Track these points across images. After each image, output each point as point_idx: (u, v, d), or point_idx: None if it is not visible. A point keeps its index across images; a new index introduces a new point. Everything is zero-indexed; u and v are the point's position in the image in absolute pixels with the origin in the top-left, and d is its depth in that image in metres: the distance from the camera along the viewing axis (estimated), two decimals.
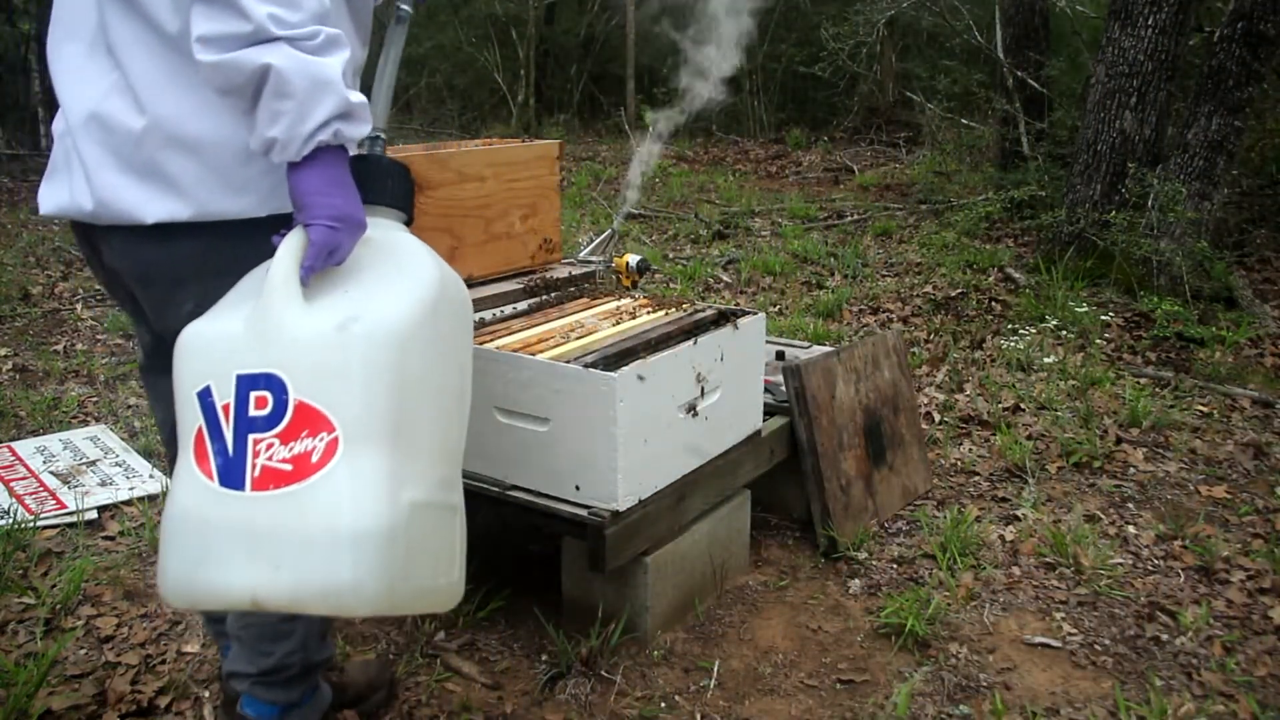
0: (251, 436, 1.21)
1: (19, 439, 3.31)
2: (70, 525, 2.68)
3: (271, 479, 1.19)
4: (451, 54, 13.96)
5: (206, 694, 1.99)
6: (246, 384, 1.22)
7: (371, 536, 1.17)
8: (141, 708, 1.95)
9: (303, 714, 1.71)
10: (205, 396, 1.25)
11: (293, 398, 1.20)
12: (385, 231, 1.40)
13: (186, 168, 1.35)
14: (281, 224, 1.37)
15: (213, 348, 1.27)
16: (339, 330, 1.22)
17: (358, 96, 1.27)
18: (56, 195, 1.42)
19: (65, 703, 1.93)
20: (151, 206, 1.35)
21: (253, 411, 1.21)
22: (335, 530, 1.16)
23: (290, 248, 1.27)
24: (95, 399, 3.73)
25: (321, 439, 1.19)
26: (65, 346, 4.39)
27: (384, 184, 1.43)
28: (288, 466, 1.19)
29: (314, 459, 1.18)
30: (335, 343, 1.22)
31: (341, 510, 1.17)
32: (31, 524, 2.63)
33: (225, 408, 1.23)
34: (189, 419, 1.27)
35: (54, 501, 2.81)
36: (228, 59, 1.21)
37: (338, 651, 2.11)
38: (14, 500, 2.79)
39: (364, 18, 1.52)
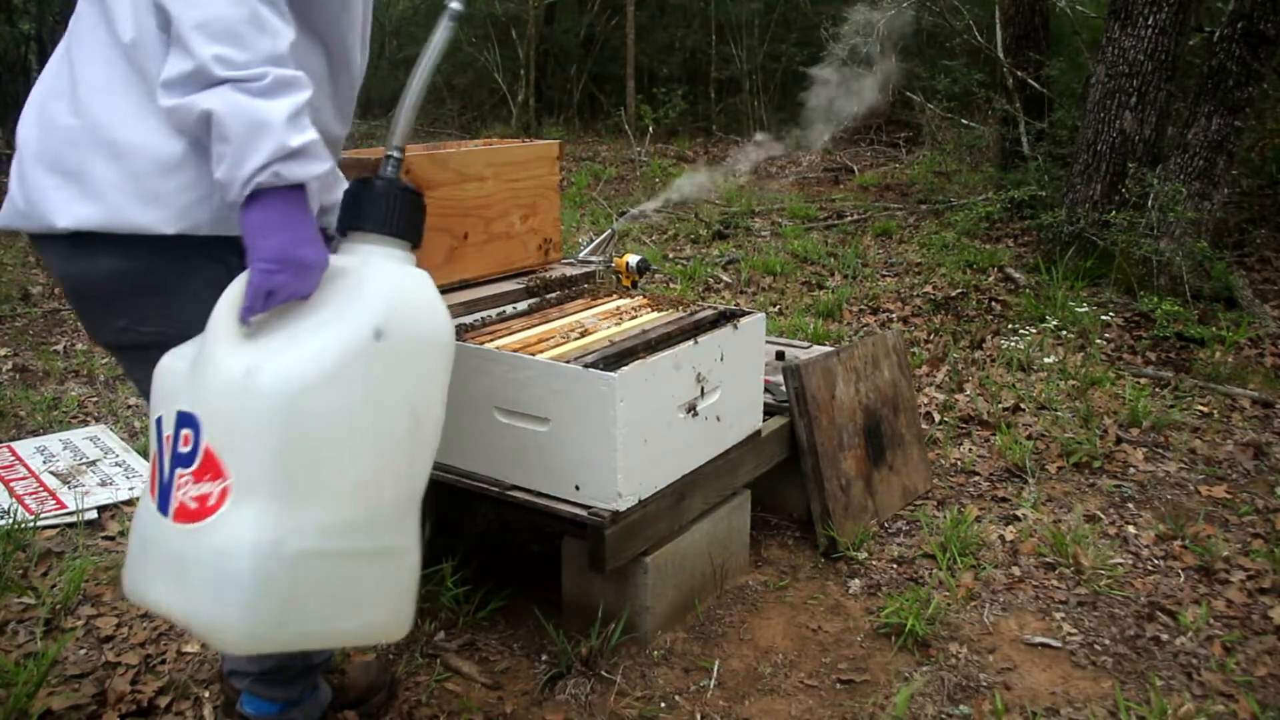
0: (177, 470, 1.28)
1: (19, 439, 3.31)
2: (70, 525, 2.68)
3: (184, 514, 1.26)
4: (451, 54, 13.93)
5: (206, 694, 1.99)
6: (181, 420, 1.29)
7: (241, 583, 1.22)
8: (141, 708, 1.95)
9: (302, 711, 1.71)
10: (158, 425, 1.32)
11: (204, 441, 1.26)
12: (364, 262, 1.35)
13: (107, 174, 1.31)
14: (198, 245, 1.34)
15: (167, 380, 1.33)
16: (241, 378, 1.23)
17: (302, 138, 1.23)
18: (5, 207, 1.40)
19: (65, 703, 1.93)
20: (66, 210, 1.32)
21: (180, 448, 1.28)
22: (216, 572, 1.23)
23: (238, 287, 1.28)
24: (95, 399, 3.73)
25: (218, 484, 1.24)
26: (65, 346, 4.39)
27: (377, 210, 1.37)
28: (194, 505, 1.25)
29: (210, 502, 1.24)
30: (235, 391, 1.24)
31: (222, 555, 1.22)
32: (31, 524, 2.63)
33: (167, 438, 1.30)
34: (151, 442, 1.35)
35: (54, 501, 2.81)
36: (179, 104, 1.21)
37: (339, 653, 2.11)
38: (14, 500, 2.79)
39: (345, 38, 1.46)
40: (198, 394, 1.27)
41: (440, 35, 1.45)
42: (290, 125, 1.21)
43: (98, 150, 1.31)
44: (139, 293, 1.38)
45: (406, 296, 1.34)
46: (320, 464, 1.26)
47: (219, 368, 1.26)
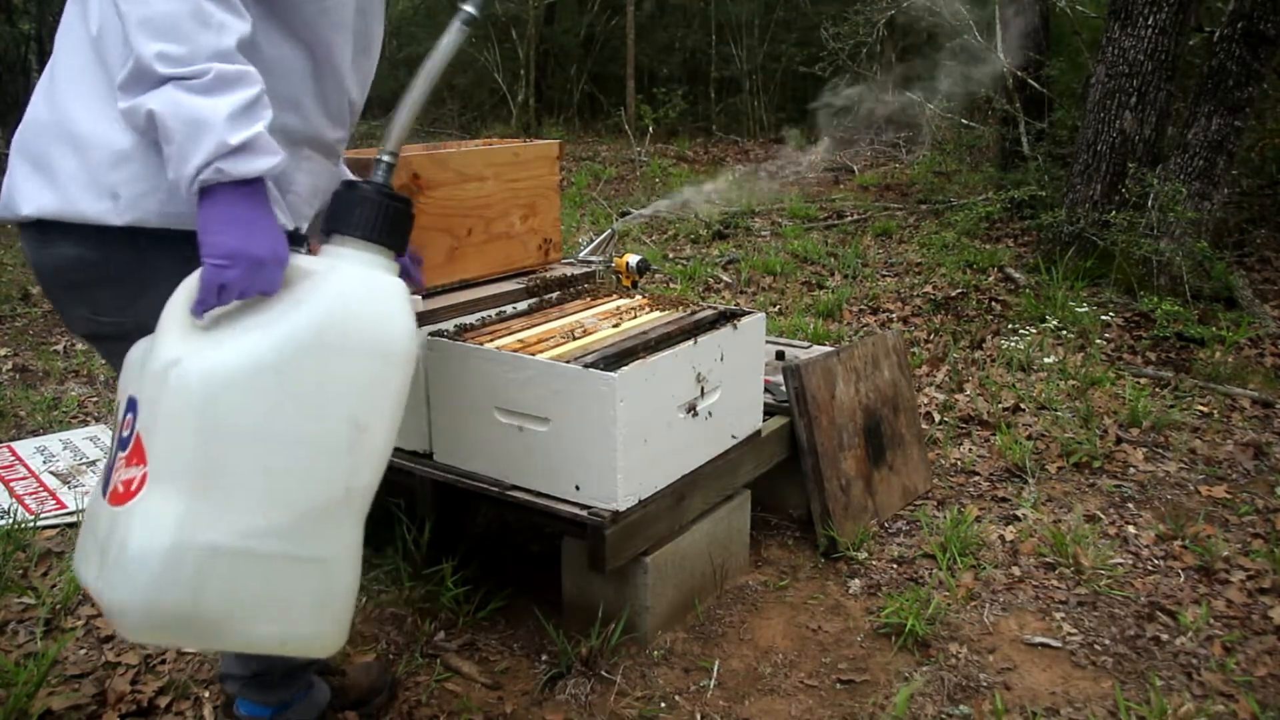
0: (119, 454, 1.29)
1: (19, 439, 3.31)
2: (70, 525, 2.68)
3: (114, 496, 1.27)
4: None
5: (206, 694, 1.99)
6: (128, 406, 1.31)
7: (144, 569, 1.21)
8: (141, 708, 1.95)
9: (296, 713, 1.71)
10: (119, 410, 1.35)
11: (137, 426, 1.27)
12: (331, 266, 1.34)
13: (67, 165, 1.33)
14: (151, 237, 1.34)
15: (128, 368, 1.35)
16: (167, 369, 1.24)
17: (244, 134, 1.21)
18: None
19: (65, 703, 1.93)
20: (31, 199, 1.35)
21: (122, 432, 1.30)
22: (125, 555, 1.22)
23: (194, 280, 1.29)
24: (95, 399, 3.73)
25: (139, 470, 1.24)
26: (65, 346, 4.39)
27: (357, 215, 1.35)
28: (121, 489, 1.26)
29: (133, 487, 1.24)
30: (159, 381, 1.24)
31: (131, 539, 1.22)
32: (31, 524, 2.63)
33: (122, 422, 1.32)
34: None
35: (54, 501, 2.81)
36: (129, 107, 1.21)
37: (339, 653, 2.11)
38: (14, 500, 2.79)
39: (328, 38, 1.43)
40: (141, 381, 1.29)
41: (449, 40, 1.42)
42: (231, 122, 1.20)
43: (62, 141, 1.33)
44: (96, 283, 1.39)
45: (359, 303, 1.30)
46: (237, 463, 1.24)
47: (157, 357, 1.26)
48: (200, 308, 1.25)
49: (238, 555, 1.25)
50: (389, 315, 1.33)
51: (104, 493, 1.30)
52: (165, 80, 1.18)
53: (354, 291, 1.31)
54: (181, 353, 1.24)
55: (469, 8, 1.41)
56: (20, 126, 1.39)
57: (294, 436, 1.26)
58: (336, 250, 1.36)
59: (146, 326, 1.36)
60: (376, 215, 1.36)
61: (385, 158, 1.41)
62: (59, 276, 1.40)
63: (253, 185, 1.25)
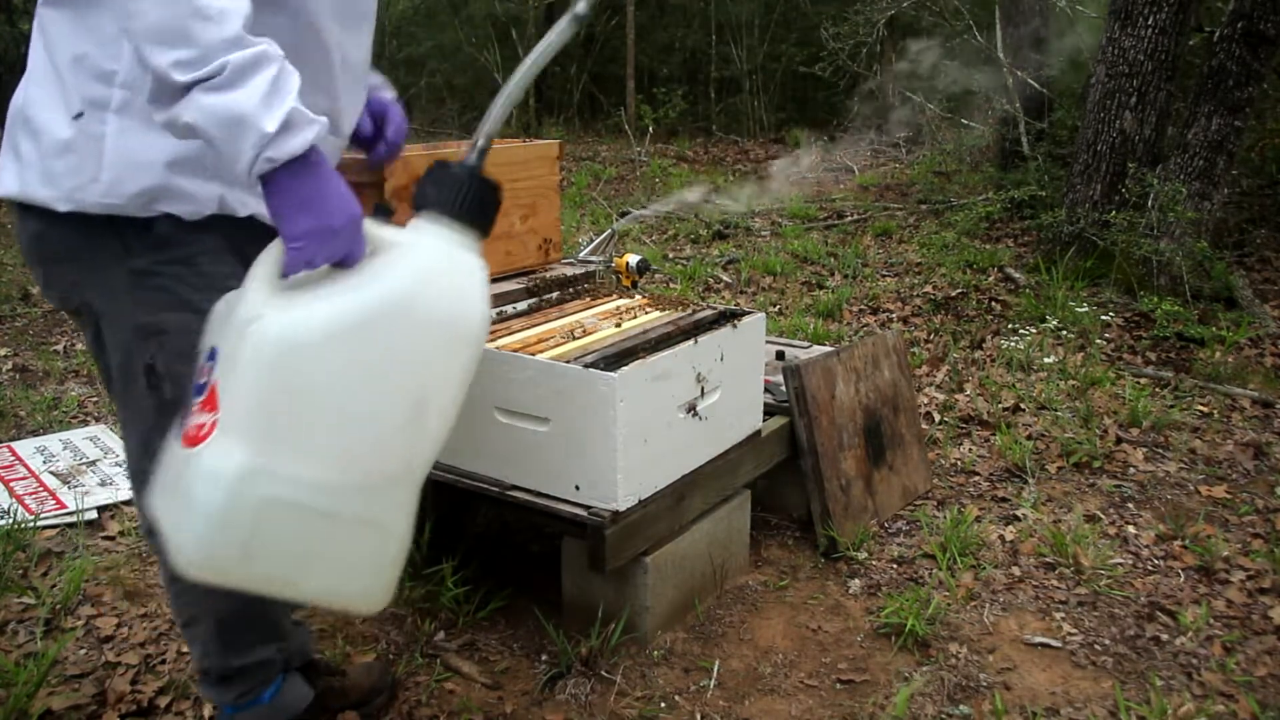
0: (195, 399, 1.34)
1: (19, 439, 3.31)
2: (70, 525, 2.68)
3: (186, 439, 1.32)
4: (451, 54, 13.96)
5: None
6: (209, 354, 1.35)
7: (205, 510, 1.27)
8: (141, 708, 1.95)
9: (249, 716, 1.69)
10: (201, 355, 1.40)
11: (214, 375, 1.31)
12: (415, 240, 1.36)
13: (26, 148, 1.39)
14: (99, 221, 1.38)
15: (215, 317, 1.39)
16: (245, 324, 1.28)
17: (279, 114, 1.20)
18: None
19: (65, 703, 1.93)
20: (3, 179, 1.42)
21: (200, 378, 1.35)
22: (190, 495, 1.28)
23: (279, 242, 1.33)
24: (95, 399, 3.73)
25: (210, 416, 1.29)
26: (65, 346, 4.39)
27: (446, 193, 1.38)
28: (194, 432, 1.31)
29: (203, 432, 1.29)
30: (239, 335, 1.28)
31: (196, 482, 1.27)
32: (31, 524, 2.63)
33: (202, 368, 1.37)
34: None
35: (54, 501, 2.81)
36: (165, 121, 1.23)
37: (339, 653, 2.11)
38: (14, 500, 2.79)
39: (309, 5, 1.42)
40: (223, 332, 1.33)
41: (556, 36, 1.43)
42: (263, 108, 1.19)
43: (24, 125, 1.40)
44: (53, 259, 1.45)
45: (440, 278, 1.33)
46: (304, 422, 1.28)
47: (241, 311, 1.30)
48: (289, 273, 1.29)
49: (294, 509, 1.29)
50: (467, 294, 1.36)
51: (179, 435, 1.36)
52: (188, 88, 1.18)
53: (436, 266, 1.33)
54: (264, 310, 1.27)
55: (581, 7, 1.42)
56: (11, 103, 1.45)
57: (361, 402, 1.30)
58: (422, 225, 1.38)
59: (93, 307, 1.44)
60: (464, 196, 1.39)
61: (480, 141, 1.42)
62: (28, 251, 1.48)
63: (305, 159, 1.25)
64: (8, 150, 1.43)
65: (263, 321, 1.26)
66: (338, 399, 1.28)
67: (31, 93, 1.40)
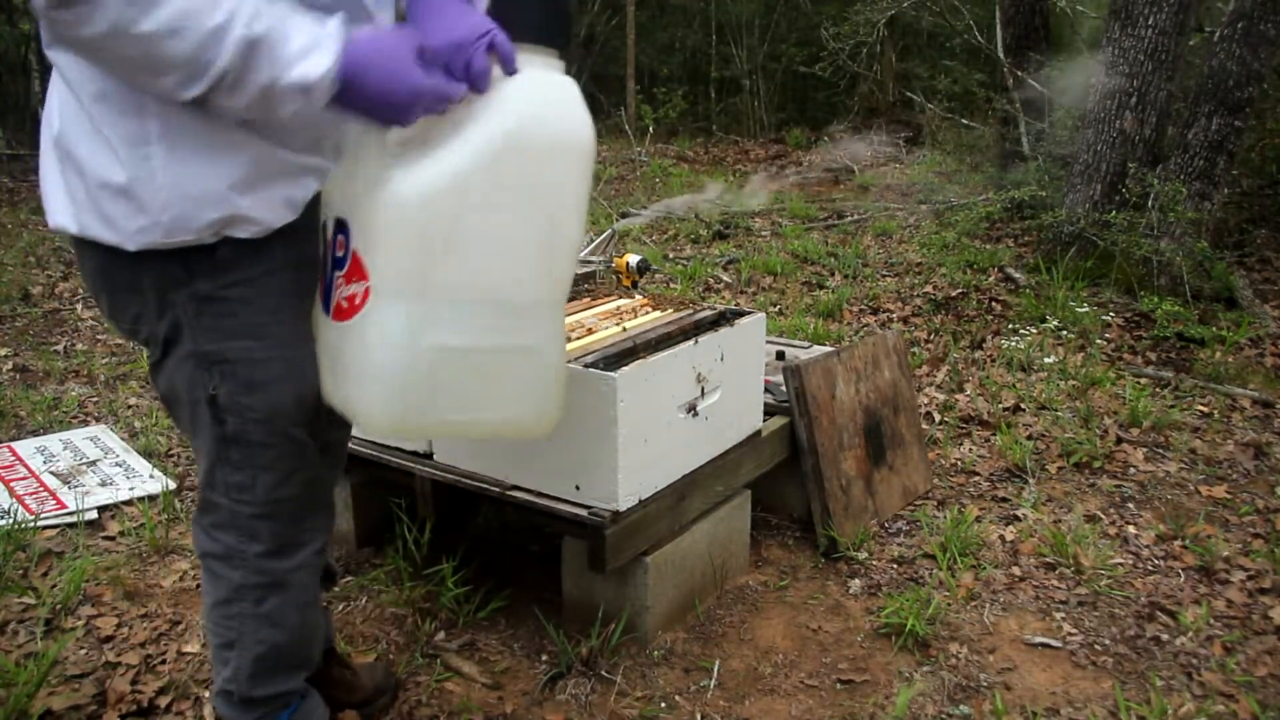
0: (335, 273, 1.41)
1: (19, 439, 3.31)
2: (70, 525, 2.68)
3: (338, 312, 1.40)
4: None
5: (206, 694, 1.99)
6: (337, 226, 1.42)
7: (382, 374, 1.35)
8: (141, 708, 1.95)
9: None
10: (322, 230, 1.46)
11: (352, 245, 1.38)
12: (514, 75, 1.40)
13: (74, 184, 1.31)
14: (156, 254, 1.33)
15: (329, 190, 1.44)
16: (372, 189, 1.34)
17: (298, 70, 1.19)
18: None
19: (65, 703, 1.93)
20: (54, 210, 1.35)
21: (336, 252, 1.41)
22: (361, 363, 1.37)
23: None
24: (95, 399, 3.73)
25: (361, 285, 1.36)
26: (65, 346, 4.39)
27: (517, 20, 1.37)
28: (345, 305, 1.38)
29: (356, 301, 1.37)
30: (369, 202, 1.34)
31: (364, 348, 1.36)
32: (31, 524, 2.63)
33: (329, 243, 1.44)
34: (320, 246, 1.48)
35: (54, 501, 2.81)
36: (220, 110, 1.23)
37: (340, 653, 2.11)
38: (14, 500, 2.79)
39: None
40: (349, 202, 1.39)
41: None
42: (289, 65, 1.19)
43: (68, 160, 1.31)
44: (118, 290, 1.39)
45: (542, 102, 1.37)
46: (454, 268, 1.35)
47: (364, 178, 1.36)
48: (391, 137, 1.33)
49: (462, 351, 1.38)
50: (570, 111, 1.41)
51: (327, 310, 1.42)
52: (204, 99, 1.19)
53: (535, 94, 1.38)
54: (389, 174, 1.33)
55: None
56: (44, 118, 1.37)
57: (501, 237, 1.38)
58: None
59: (159, 336, 1.40)
60: (540, 16, 1.42)
61: None
62: (91, 283, 1.43)
63: (335, 78, 1.23)
64: (55, 180, 1.34)
65: (394, 184, 1.32)
66: (479, 238, 1.36)
67: (66, 128, 1.31)
